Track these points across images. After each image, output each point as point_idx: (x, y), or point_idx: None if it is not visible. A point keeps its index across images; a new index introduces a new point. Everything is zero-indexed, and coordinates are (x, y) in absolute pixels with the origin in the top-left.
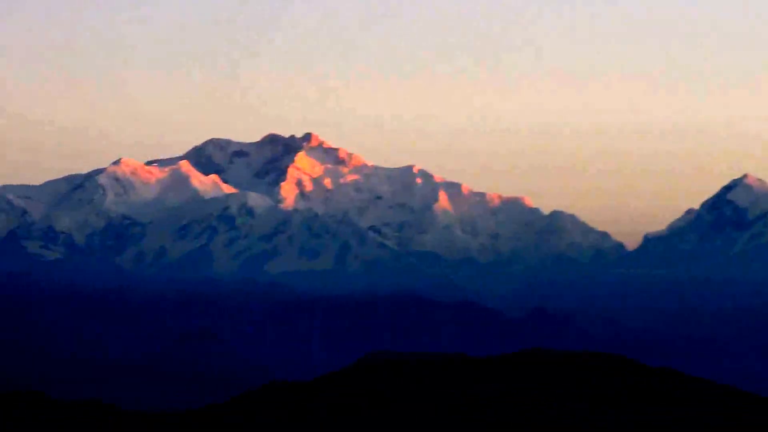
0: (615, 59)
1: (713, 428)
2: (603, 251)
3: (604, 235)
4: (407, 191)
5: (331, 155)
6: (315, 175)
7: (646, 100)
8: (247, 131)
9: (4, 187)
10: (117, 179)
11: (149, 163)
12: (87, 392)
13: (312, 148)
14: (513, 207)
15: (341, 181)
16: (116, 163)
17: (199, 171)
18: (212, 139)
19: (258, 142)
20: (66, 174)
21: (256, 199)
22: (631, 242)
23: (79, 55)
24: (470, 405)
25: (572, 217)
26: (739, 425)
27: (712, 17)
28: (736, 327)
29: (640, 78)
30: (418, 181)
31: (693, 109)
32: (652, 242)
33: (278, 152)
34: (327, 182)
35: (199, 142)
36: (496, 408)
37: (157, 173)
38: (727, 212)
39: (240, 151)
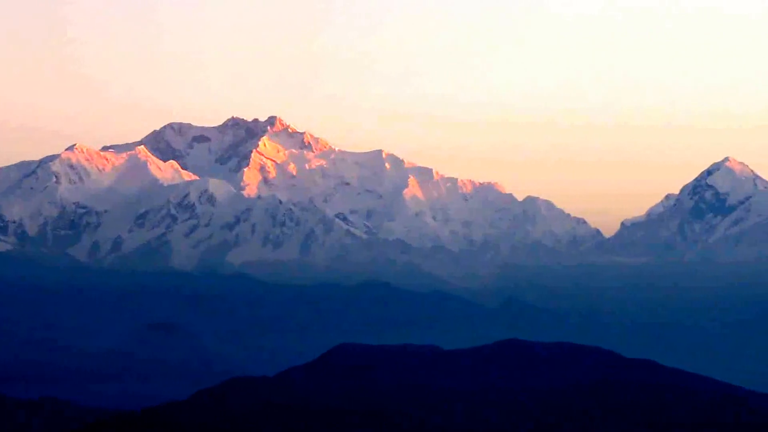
0: (592, 42)
1: (691, 418)
2: (579, 238)
3: (581, 222)
4: (376, 177)
5: (296, 140)
6: (279, 161)
7: (624, 84)
8: (208, 115)
9: None
10: (71, 166)
11: (105, 149)
12: (41, 390)
13: (276, 133)
14: (485, 193)
15: (306, 166)
16: (70, 149)
17: (158, 157)
18: (171, 123)
19: (219, 126)
20: (17, 161)
21: (217, 186)
22: (609, 229)
23: (31, 35)
24: (444, 398)
25: (547, 203)
26: (718, 416)
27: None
28: (716, 314)
29: (618, 62)
30: (387, 166)
31: (672, 93)
32: (630, 229)
33: (240, 137)
34: (292, 168)
35: (157, 126)
36: (470, 400)
37: (113, 160)
38: (707, 197)
39: (200, 136)
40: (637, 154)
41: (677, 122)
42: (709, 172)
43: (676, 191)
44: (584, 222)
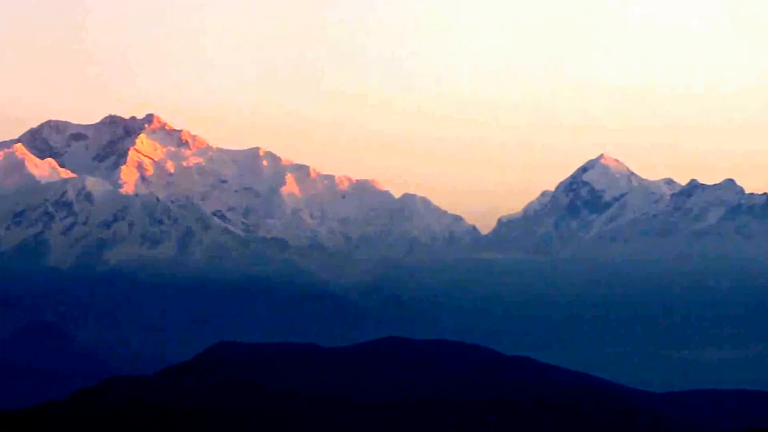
0: (467, 42)
1: (567, 414)
2: (456, 235)
3: (458, 219)
4: (253, 174)
5: (173, 137)
6: (157, 159)
7: (500, 79)
8: (86, 113)
9: None
10: None
11: None
12: None
13: (153, 131)
14: (363, 190)
15: (184, 164)
16: None
17: (35, 155)
18: (49, 121)
19: (97, 124)
20: None
21: (94, 184)
22: (485, 226)
23: None
24: (323, 396)
25: (424, 200)
26: (594, 412)
27: None
28: (594, 311)
29: (494, 57)
30: (265, 163)
31: (547, 89)
32: (506, 225)
33: (118, 135)
34: (169, 165)
35: (34, 124)
36: (350, 398)
37: None
38: (583, 194)
39: (78, 134)
40: (514, 150)
41: (553, 118)
42: (584, 169)
43: (552, 188)
44: (461, 219)
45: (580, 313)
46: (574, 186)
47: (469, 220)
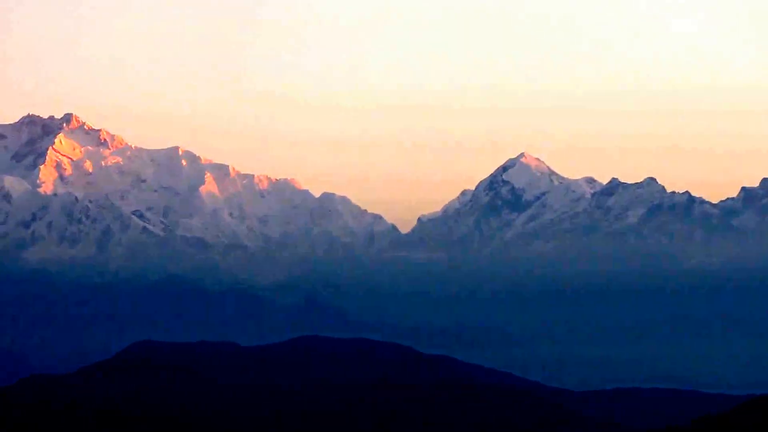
0: (384, 36)
1: (487, 414)
2: (376, 234)
3: (377, 218)
4: (172, 174)
5: (92, 137)
6: (75, 158)
7: (420, 76)
8: (4, 112)
9: None
10: None
11: None
12: None
13: (72, 130)
14: (282, 189)
15: (103, 163)
16: None
17: None
18: None
19: (15, 123)
20: None
21: (13, 184)
22: (405, 225)
23: None
24: (239, 395)
25: (344, 199)
26: (514, 412)
27: None
28: (513, 312)
29: (417, 50)
30: (184, 163)
31: (467, 87)
32: (426, 224)
33: (36, 134)
34: (88, 165)
35: None
36: (267, 397)
37: None
38: (503, 193)
39: None
40: (434, 149)
41: (473, 117)
42: (504, 168)
43: (473, 187)
44: (381, 218)
45: (499, 312)
46: (495, 185)
47: (389, 219)
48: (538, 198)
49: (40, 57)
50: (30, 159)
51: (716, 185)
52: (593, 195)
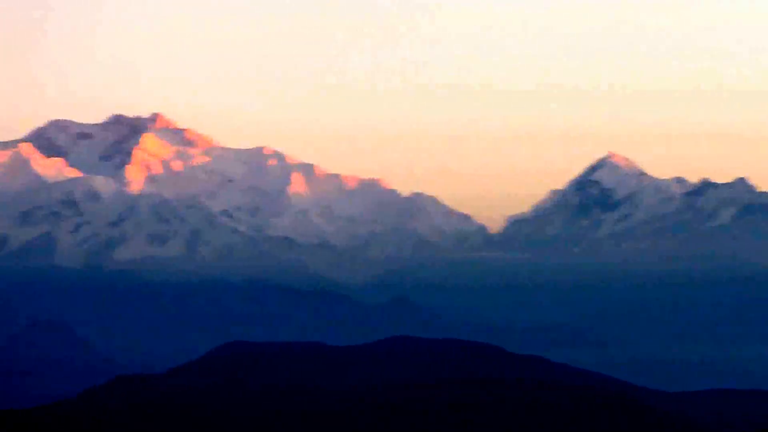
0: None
1: (576, 415)
2: (465, 234)
3: (466, 218)
4: (259, 173)
5: (179, 136)
6: (163, 158)
7: (511, 77)
8: (91, 112)
9: None
10: None
11: None
12: None
13: (159, 129)
14: (370, 189)
15: (190, 163)
16: None
17: (42, 154)
18: (55, 120)
19: (103, 123)
20: None
21: (101, 184)
22: (494, 225)
23: None
24: (329, 395)
25: (432, 199)
26: (603, 412)
27: None
28: (604, 311)
29: (507, 53)
30: (271, 162)
31: (556, 87)
32: (515, 225)
33: (124, 134)
34: (175, 165)
35: (41, 123)
36: (356, 398)
37: None
38: (593, 193)
39: (84, 133)
40: (523, 149)
41: (561, 115)
42: (593, 168)
43: (562, 186)
44: (469, 218)
45: (590, 312)
46: (584, 184)
47: (478, 219)
48: (627, 198)
49: (127, 56)
50: (117, 159)
51: None
52: (683, 195)
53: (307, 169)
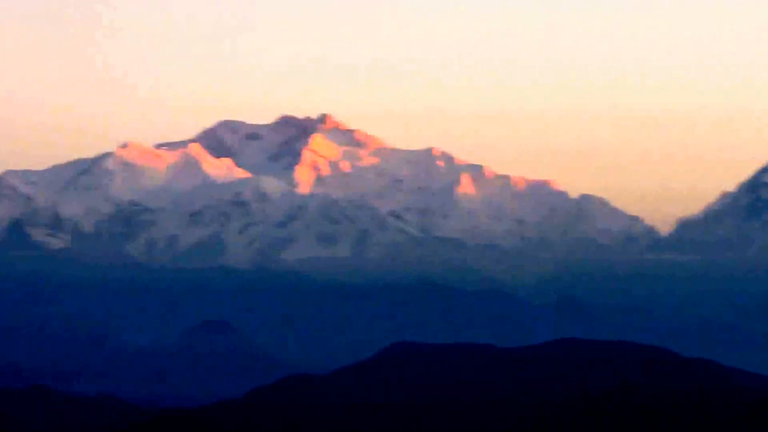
0: (642, 42)
1: (747, 419)
2: (634, 236)
3: (635, 220)
4: (428, 174)
5: (348, 137)
6: (332, 158)
7: (677, 80)
8: (260, 112)
9: (8, 172)
10: (125, 163)
11: (158, 146)
12: (96, 387)
13: (328, 130)
14: (539, 190)
15: (359, 164)
16: (124, 146)
17: (211, 154)
18: (224, 120)
19: (272, 124)
20: (72, 159)
21: (270, 184)
22: (664, 227)
23: (84, 35)
24: (499, 397)
25: (601, 200)
26: None
27: None
28: None
29: (669, 58)
30: (439, 163)
31: (725, 89)
32: (686, 226)
33: (293, 134)
34: (344, 165)
35: (210, 124)
36: (525, 399)
37: (167, 157)
38: (764, 195)
39: (253, 134)
40: (692, 149)
41: (732, 118)
42: (765, 169)
43: (732, 188)
44: (638, 219)
45: (761, 314)
46: (756, 186)
47: (648, 220)
48: None
49: (296, 58)
50: (286, 159)
51: None
52: None
53: (476, 170)
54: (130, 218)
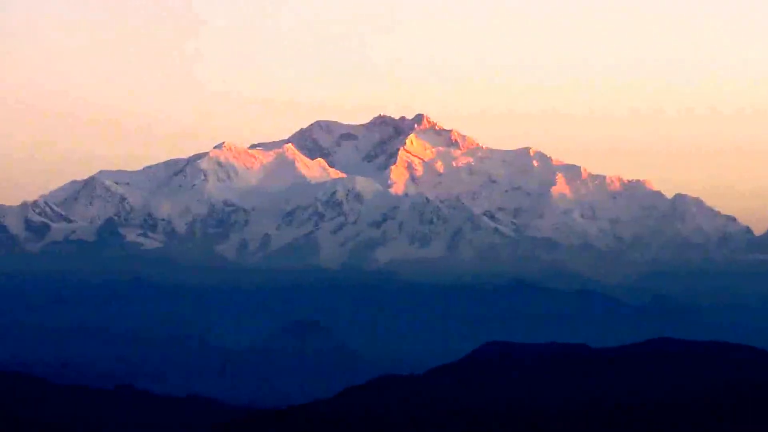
0: (729, 42)
1: None
2: (729, 236)
3: (731, 219)
4: (523, 174)
5: (443, 137)
6: (426, 159)
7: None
8: (355, 113)
9: (102, 173)
10: (219, 164)
11: (253, 147)
12: (187, 387)
13: (423, 130)
14: (634, 190)
15: (454, 164)
16: (218, 147)
17: (305, 155)
18: (318, 121)
19: (366, 124)
20: (166, 159)
21: (364, 184)
22: (760, 226)
23: (181, 37)
24: (594, 397)
25: (697, 200)
26: None
27: None
28: None
29: (760, 58)
30: (535, 163)
31: None
32: None
33: (387, 135)
34: (439, 166)
35: (304, 124)
36: (622, 399)
37: (261, 157)
38: None
39: (347, 134)
40: None
41: None
42: None
43: None
44: (734, 219)
45: None
46: None
47: (743, 220)
48: None
49: (392, 59)
50: (381, 159)
51: None
52: None
53: (572, 171)
54: (223, 219)
